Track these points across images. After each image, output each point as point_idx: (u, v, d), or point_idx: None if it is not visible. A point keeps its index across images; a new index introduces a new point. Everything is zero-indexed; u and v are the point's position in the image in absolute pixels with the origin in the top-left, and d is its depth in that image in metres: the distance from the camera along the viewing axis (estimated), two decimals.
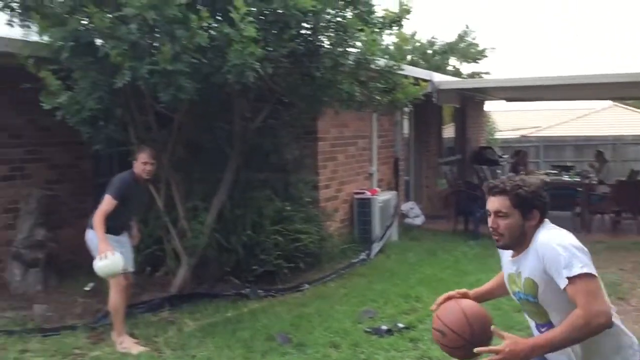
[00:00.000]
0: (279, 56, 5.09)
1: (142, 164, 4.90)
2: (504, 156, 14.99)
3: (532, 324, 2.42)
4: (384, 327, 5.08)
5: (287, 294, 6.26)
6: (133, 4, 4.40)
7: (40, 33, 5.22)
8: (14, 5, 5.11)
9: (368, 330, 5.08)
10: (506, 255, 2.43)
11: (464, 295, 2.53)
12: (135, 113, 5.81)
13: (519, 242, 2.31)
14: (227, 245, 6.41)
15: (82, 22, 4.88)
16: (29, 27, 5.40)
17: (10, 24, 5.27)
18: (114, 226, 4.79)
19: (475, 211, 9.16)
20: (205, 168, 6.62)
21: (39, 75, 5.05)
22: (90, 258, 4.87)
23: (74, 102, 5.13)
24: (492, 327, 2.25)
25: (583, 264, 2.13)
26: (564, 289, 2.12)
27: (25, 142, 6.54)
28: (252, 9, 4.59)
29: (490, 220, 2.33)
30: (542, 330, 2.32)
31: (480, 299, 2.59)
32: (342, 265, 7.36)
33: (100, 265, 4.54)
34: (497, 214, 2.30)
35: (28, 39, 5.51)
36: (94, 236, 4.71)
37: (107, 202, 4.72)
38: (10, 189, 6.37)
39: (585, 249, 2.22)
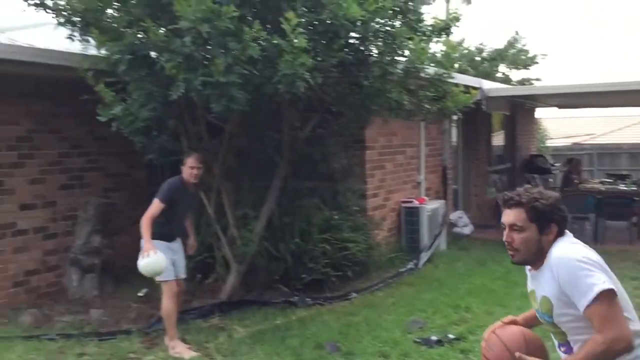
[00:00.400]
0: (329, 66, 5.14)
1: (189, 168, 5.04)
2: (556, 164, 14.63)
3: (555, 342, 2.33)
4: (434, 338, 5.02)
5: (335, 303, 6.27)
6: (187, 18, 4.52)
7: (99, 47, 5.44)
8: (75, 20, 5.32)
9: (417, 340, 5.03)
10: (527, 270, 2.34)
11: (513, 322, 2.45)
12: (188, 123, 5.97)
13: (536, 257, 2.20)
14: (276, 253, 6.48)
15: (138, 35, 5.05)
16: (87, 41, 5.62)
17: (71, 37, 5.50)
18: (165, 232, 4.94)
19: None
20: (255, 177, 6.72)
21: (96, 89, 5.25)
22: None
23: (128, 113, 5.32)
24: (517, 354, 2.16)
25: (601, 281, 2.03)
26: (582, 310, 2.04)
27: (84, 152, 6.79)
28: (302, 19, 4.65)
29: (505, 234, 2.23)
30: (562, 350, 2.25)
31: (528, 324, 2.49)
32: (390, 275, 7.33)
33: (142, 263, 4.67)
34: (513, 227, 2.19)
35: (87, 53, 5.75)
36: (164, 260, 4.84)
37: (155, 205, 4.88)
38: (69, 197, 6.62)
39: (603, 263, 2.12)
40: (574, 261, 2.08)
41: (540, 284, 2.20)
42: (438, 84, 6.02)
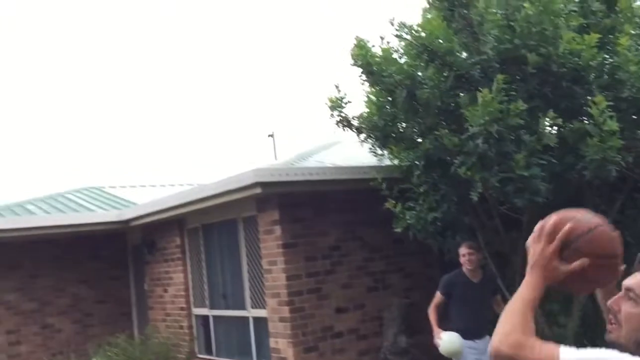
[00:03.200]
0: (637, 143, 4.73)
1: (462, 256, 5.11)
2: None
3: None
4: None
5: None
6: (476, 122, 4.66)
7: (393, 157, 5.91)
8: (376, 134, 5.92)
9: None
10: None
11: None
12: (483, 219, 5.98)
13: (635, 349, 1.48)
14: None
15: (431, 142, 5.36)
16: (383, 154, 6.17)
17: (373, 152, 6.10)
18: (459, 328, 5.02)
19: None
20: None
21: (386, 205, 5.67)
22: None
23: (419, 219, 5.61)
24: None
25: None
26: None
27: (384, 255, 7.25)
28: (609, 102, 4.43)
29: (616, 297, 1.58)
30: None
31: None
32: None
33: (440, 348, 5.00)
34: (628, 292, 1.53)
35: (381, 164, 6.29)
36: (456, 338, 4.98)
37: (435, 297, 5.21)
38: (375, 299, 7.06)
39: None
40: None
41: None
42: None
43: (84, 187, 11.28)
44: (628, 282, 1.58)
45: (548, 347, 1.47)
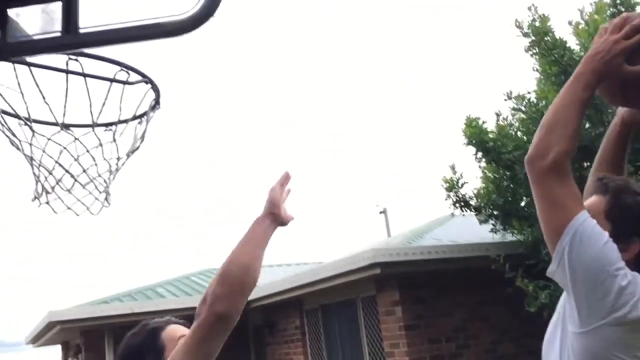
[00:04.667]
0: None
1: None
2: None
3: None
4: None
5: None
6: None
7: (516, 233, 5.68)
8: (496, 213, 5.75)
9: None
10: None
11: None
12: None
13: None
14: None
15: None
16: (505, 229, 5.96)
17: (494, 231, 5.91)
18: None
19: None
20: None
21: (517, 283, 5.40)
22: None
23: (554, 298, 5.25)
24: None
25: None
26: None
27: (514, 336, 6.82)
28: None
29: None
30: None
31: None
32: None
33: None
34: None
35: (502, 240, 6.07)
36: None
37: None
38: None
39: None
40: None
41: None
42: None
43: (206, 269, 11.79)
44: (585, 203, 1.53)
45: (578, 201, 1.34)
